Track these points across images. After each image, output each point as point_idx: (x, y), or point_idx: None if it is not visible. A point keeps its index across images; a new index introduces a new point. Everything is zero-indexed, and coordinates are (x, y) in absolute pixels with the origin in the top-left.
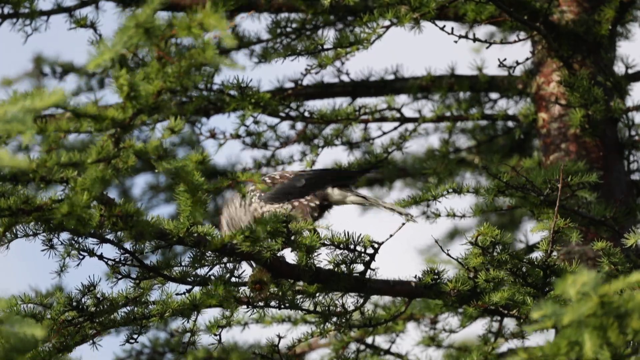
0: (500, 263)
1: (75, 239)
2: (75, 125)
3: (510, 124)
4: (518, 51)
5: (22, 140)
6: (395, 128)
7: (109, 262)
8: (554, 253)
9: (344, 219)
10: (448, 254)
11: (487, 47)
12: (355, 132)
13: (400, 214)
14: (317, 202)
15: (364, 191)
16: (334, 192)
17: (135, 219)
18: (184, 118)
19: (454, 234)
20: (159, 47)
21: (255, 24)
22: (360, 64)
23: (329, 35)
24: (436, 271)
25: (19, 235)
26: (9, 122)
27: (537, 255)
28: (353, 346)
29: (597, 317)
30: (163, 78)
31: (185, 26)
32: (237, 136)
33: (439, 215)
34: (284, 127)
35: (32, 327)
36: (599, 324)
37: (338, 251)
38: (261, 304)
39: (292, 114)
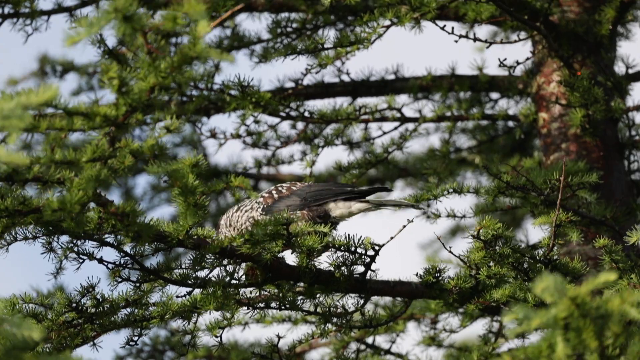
0: (502, 257)
1: (75, 241)
2: (68, 123)
3: (510, 124)
4: (518, 51)
5: (11, 135)
6: (396, 128)
7: (109, 266)
8: (555, 248)
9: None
10: (450, 251)
11: (488, 47)
12: (356, 131)
13: (408, 206)
14: (310, 217)
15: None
16: (337, 205)
17: (132, 218)
18: (185, 118)
19: (455, 231)
20: (147, 40)
21: (255, 24)
22: (361, 64)
23: (329, 34)
24: (437, 269)
25: (18, 239)
26: (6, 119)
27: (539, 251)
28: (353, 346)
29: (574, 319)
30: (154, 73)
31: (171, 18)
32: (238, 136)
33: (439, 216)
34: (285, 126)
35: (30, 328)
36: (575, 326)
37: (339, 253)
38: (261, 305)
39: (293, 113)
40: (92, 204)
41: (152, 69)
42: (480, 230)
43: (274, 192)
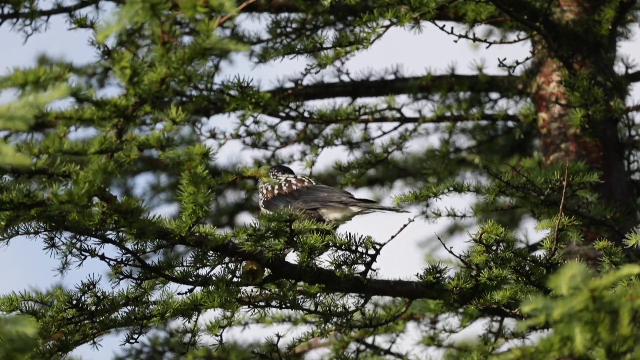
0: (504, 261)
1: (77, 237)
2: (78, 113)
3: (510, 124)
4: (518, 51)
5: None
6: (396, 128)
7: (111, 263)
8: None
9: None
10: (451, 252)
11: (487, 47)
12: (356, 132)
13: (398, 211)
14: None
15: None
16: (328, 211)
17: (135, 215)
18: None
19: (453, 230)
20: (164, 30)
21: (255, 24)
22: (361, 64)
23: (328, 35)
24: (438, 269)
25: (20, 232)
26: (11, 119)
27: (540, 253)
28: (353, 346)
29: (589, 311)
30: (167, 64)
31: (191, 5)
32: (238, 136)
33: (440, 215)
34: (284, 127)
35: (25, 325)
36: (590, 319)
37: (340, 252)
38: (262, 304)
39: (292, 114)
40: (96, 200)
41: (165, 59)
42: (483, 235)
43: (275, 187)
